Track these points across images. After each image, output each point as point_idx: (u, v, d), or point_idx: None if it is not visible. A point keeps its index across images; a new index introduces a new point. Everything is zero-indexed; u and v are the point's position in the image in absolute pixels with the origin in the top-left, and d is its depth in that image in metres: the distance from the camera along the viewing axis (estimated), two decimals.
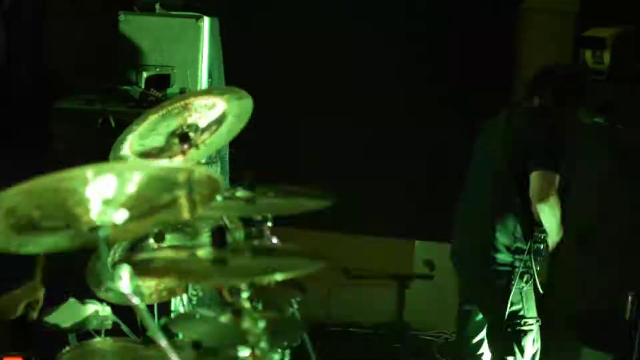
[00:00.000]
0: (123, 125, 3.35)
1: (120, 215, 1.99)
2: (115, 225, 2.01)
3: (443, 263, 6.39)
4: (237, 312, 2.30)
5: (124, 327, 3.56)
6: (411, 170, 6.20)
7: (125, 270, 1.92)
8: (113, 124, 4.49)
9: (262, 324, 2.25)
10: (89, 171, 1.86)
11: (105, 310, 3.55)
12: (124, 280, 1.92)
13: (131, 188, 1.96)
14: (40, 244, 2.13)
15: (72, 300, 3.57)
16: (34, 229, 2.01)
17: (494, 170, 4.47)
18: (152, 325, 1.97)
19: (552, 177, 4.23)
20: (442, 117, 6.04)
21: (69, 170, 1.84)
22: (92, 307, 3.55)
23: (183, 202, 2.15)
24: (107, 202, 1.95)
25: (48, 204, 1.92)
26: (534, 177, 4.22)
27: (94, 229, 1.99)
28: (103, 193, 1.93)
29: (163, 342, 1.95)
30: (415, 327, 6.56)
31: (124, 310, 3.57)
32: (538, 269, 4.39)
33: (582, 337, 5.03)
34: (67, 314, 3.52)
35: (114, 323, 3.56)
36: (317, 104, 6.14)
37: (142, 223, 2.14)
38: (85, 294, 3.56)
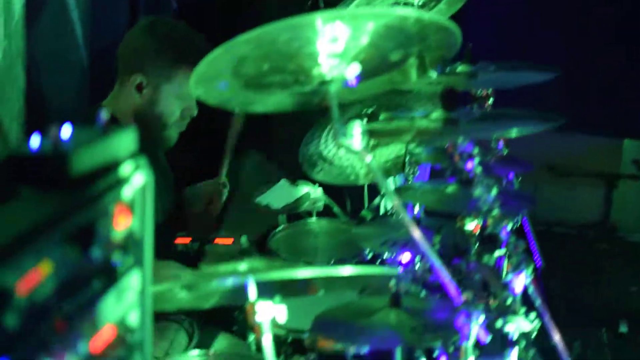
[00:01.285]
0: (332, 5, 3.25)
1: (352, 70, 1.87)
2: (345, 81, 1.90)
3: None
4: (466, 181, 2.19)
5: (335, 209, 3.52)
6: (624, 69, 5.88)
7: (357, 127, 1.82)
8: (322, 4, 4.40)
9: (494, 191, 2.12)
10: (319, 18, 1.74)
11: (317, 192, 3.50)
12: (356, 137, 1.83)
13: (364, 39, 1.84)
14: (263, 103, 2.06)
15: (283, 181, 3.54)
16: (260, 86, 1.94)
17: None
18: (384, 183, 1.87)
19: None
20: None
21: (299, 17, 1.73)
22: (303, 189, 3.51)
23: (413, 61, 2.02)
24: (338, 55, 1.85)
25: (278, 55, 1.82)
26: None
27: (324, 83, 1.89)
28: (334, 44, 1.82)
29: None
30: (621, 228, 6.33)
31: (335, 192, 3.54)
32: None
33: None
34: (279, 195, 3.50)
35: (325, 205, 3.51)
36: None
37: (371, 82, 2.03)
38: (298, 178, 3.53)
